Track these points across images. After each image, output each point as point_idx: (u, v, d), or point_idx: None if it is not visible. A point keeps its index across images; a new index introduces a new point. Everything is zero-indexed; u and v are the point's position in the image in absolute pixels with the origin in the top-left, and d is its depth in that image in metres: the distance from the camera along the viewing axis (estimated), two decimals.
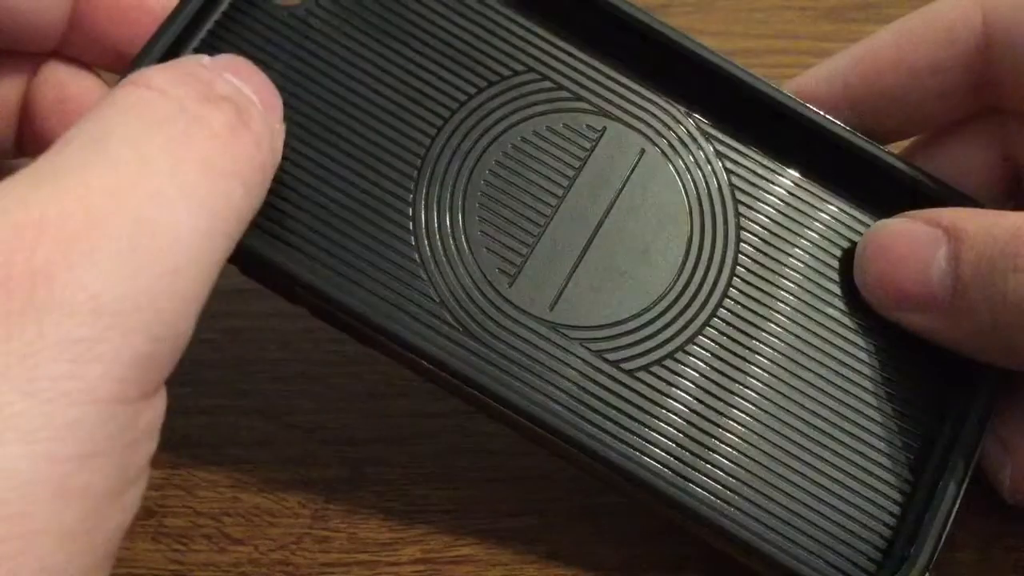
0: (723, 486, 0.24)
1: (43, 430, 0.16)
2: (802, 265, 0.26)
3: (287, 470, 0.27)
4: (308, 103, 0.25)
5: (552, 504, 0.27)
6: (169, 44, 0.23)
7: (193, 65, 0.21)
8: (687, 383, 0.25)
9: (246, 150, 0.20)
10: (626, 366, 0.25)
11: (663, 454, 0.24)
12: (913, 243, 0.25)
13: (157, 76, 0.20)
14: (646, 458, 0.24)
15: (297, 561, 0.26)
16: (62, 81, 0.25)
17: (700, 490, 0.24)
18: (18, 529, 0.15)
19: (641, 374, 0.25)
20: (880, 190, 0.27)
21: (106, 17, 0.25)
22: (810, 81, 0.28)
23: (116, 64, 0.25)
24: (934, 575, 0.24)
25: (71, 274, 0.17)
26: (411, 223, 0.25)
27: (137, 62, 0.23)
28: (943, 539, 0.24)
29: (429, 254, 0.25)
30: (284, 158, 0.23)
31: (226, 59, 0.22)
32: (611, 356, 0.25)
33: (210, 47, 0.24)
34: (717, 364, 0.25)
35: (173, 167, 0.19)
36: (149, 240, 0.18)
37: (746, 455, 0.25)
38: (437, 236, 0.25)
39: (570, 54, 0.26)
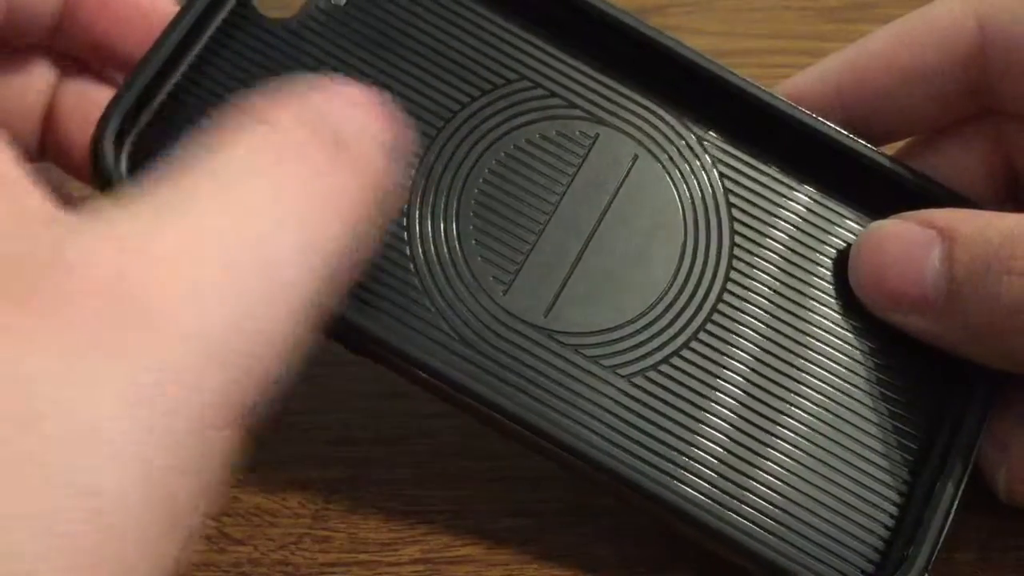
0: (719, 489, 0.24)
1: (141, 446, 0.16)
2: (797, 268, 0.26)
3: (287, 470, 0.27)
4: None
5: (550, 504, 0.27)
6: (163, 61, 0.24)
7: (313, 99, 0.21)
8: (683, 388, 0.25)
9: (358, 190, 0.20)
10: (622, 371, 0.25)
11: (659, 459, 0.24)
12: (907, 244, 0.25)
13: (284, 114, 0.20)
14: (642, 463, 0.24)
15: (297, 561, 0.26)
16: (84, 89, 0.25)
17: (696, 493, 0.24)
18: (107, 535, 0.16)
19: (637, 379, 0.25)
20: (875, 192, 0.27)
21: (96, 10, 0.25)
22: (803, 82, 0.28)
23: (104, 60, 0.25)
24: (933, 575, 0.24)
25: (184, 303, 0.17)
26: (405, 233, 0.25)
27: (133, 80, 0.23)
28: (941, 540, 0.24)
29: (424, 263, 0.25)
30: None
31: (346, 91, 0.21)
32: (607, 362, 0.25)
33: (205, 62, 0.24)
34: (713, 368, 0.25)
35: (286, 211, 0.19)
36: (259, 275, 0.18)
37: (742, 458, 0.25)
38: (432, 245, 0.25)
39: (562, 61, 0.27)
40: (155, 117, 0.24)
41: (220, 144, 0.19)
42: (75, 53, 0.25)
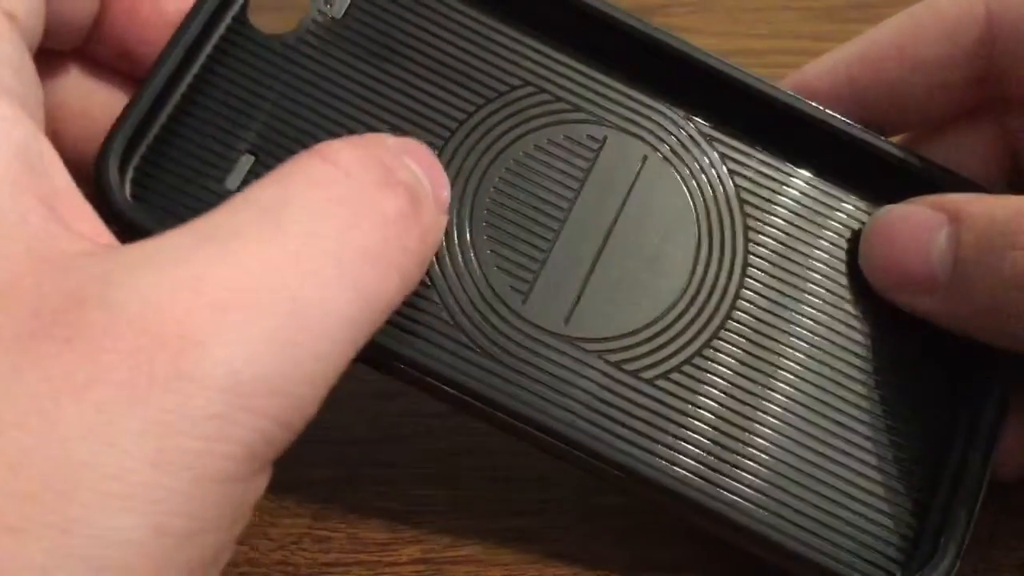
0: (750, 488, 0.24)
1: (162, 503, 0.16)
2: (813, 261, 0.26)
3: (287, 470, 0.27)
4: (306, 131, 0.25)
5: (552, 504, 0.27)
6: (162, 85, 0.23)
7: (378, 146, 0.20)
8: (707, 387, 0.25)
9: (412, 243, 0.20)
10: (645, 375, 0.25)
11: (689, 461, 0.24)
12: (916, 225, 0.25)
13: (345, 154, 0.20)
14: (673, 466, 0.24)
15: (297, 561, 0.26)
16: (116, 97, 0.25)
17: (728, 494, 0.24)
18: None
19: (661, 382, 0.25)
20: (886, 181, 0.27)
21: (125, 16, 0.24)
22: (813, 73, 0.28)
23: (127, 66, 0.25)
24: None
25: (218, 346, 0.16)
26: None
27: (133, 105, 0.23)
28: (970, 530, 0.24)
29: (440, 276, 0.25)
30: None
31: (408, 143, 0.22)
32: (629, 366, 0.25)
33: (204, 82, 0.24)
34: (736, 366, 0.25)
35: (339, 251, 0.18)
36: (300, 321, 0.17)
37: (770, 455, 0.25)
38: (447, 258, 0.25)
39: (565, 64, 0.26)
40: (157, 140, 0.24)
41: (282, 182, 0.19)
42: (104, 60, 0.25)
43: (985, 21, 0.26)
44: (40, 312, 0.16)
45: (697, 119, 0.27)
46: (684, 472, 0.24)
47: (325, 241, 0.18)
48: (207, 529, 0.17)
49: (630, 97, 0.27)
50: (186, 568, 0.16)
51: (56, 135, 0.24)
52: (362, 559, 0.26)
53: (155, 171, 0.24)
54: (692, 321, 0.25)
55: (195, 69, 0.24)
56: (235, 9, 0.25)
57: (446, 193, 0.22)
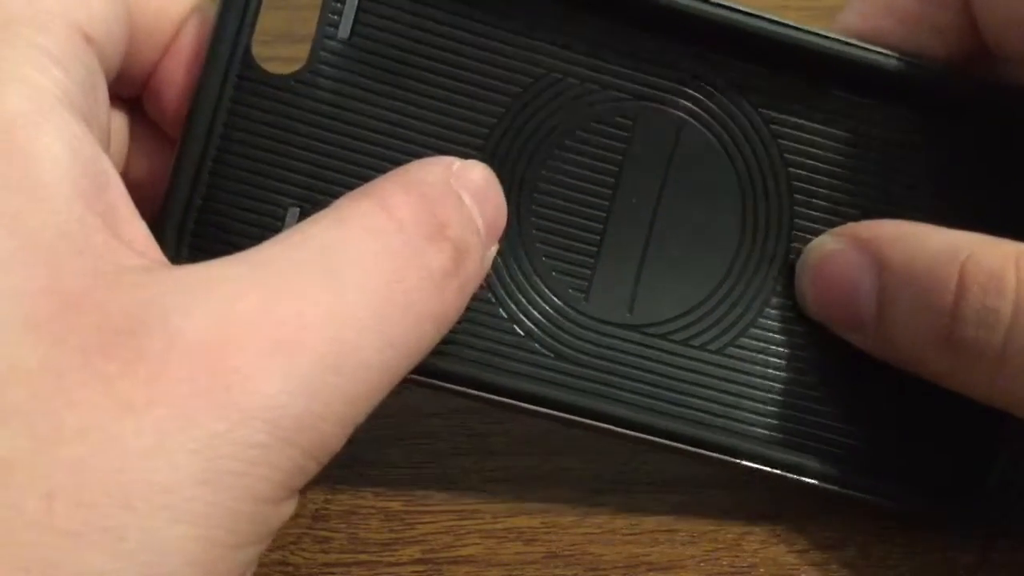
0: (828, 444, 0.25)
1: (209, 517, 0.17)
2: (860, 199, 0.26)
3: None
4: (336, 167, 0.24)
5: (552, 504, 0.27)
6: (200, 150, 0.23)
7: (434, 187, 0.21)
8: (775, 347, 0.26)
9: (450, 297, 0.21)
10: (713, 346, 0.25)
11: (771, 421, 0.25)
12: (843, 267, 0.25)
13: (400, 201, 0.21)
14: (757, 428, 0.25)
15: (297, 561, 0.26)
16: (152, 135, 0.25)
17: (806, 453, 0.25)
18: None
19: (730, 350, 0.25)
20: (928, 105, 0.26)
21: (164, 57, 0.24)
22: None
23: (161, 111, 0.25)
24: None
25: (266, 382, 0.18)
26: None
27: (178, 178, 0.23)
28: None
29: (502, 292, 0.25)
30: None
31: (468, 171, 0.22)
32: (697, 341, 0.25)
33: (230, 140, 0.24)
34: (797, 319, 0.26)
35: (383, 305, 0.19)
36: (338, 367, 0.19)
37: (846, 403, 0.25)
38: (505, 272, 0.25)
39: (581, 49, 0.25)
40: (202, 211, 0.24)
41: (339, 226, 0.20)
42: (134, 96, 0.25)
43: None
44: (103, 329, 0.17)
45: (724, 74, 0.26)
46: (765, 432, 0.25)
47: (372, 294, 0.19)
48: (244, 544, 0.18)
49: (651, 65, 0.25)
50: None
51: None
52: (362, 559, 0.26)
53: (207, 243, 0.23)
54: (749, 283, 0.26)
55: (220, 124, 0.24)
56: (240, 55, 0.24)
57: (502, 220, 0.23)
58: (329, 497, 0.27)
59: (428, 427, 0.28)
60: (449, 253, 0.21)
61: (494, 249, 0.23)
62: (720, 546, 0.27)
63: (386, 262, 0.20)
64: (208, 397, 0.17)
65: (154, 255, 0.20)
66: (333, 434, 0.19)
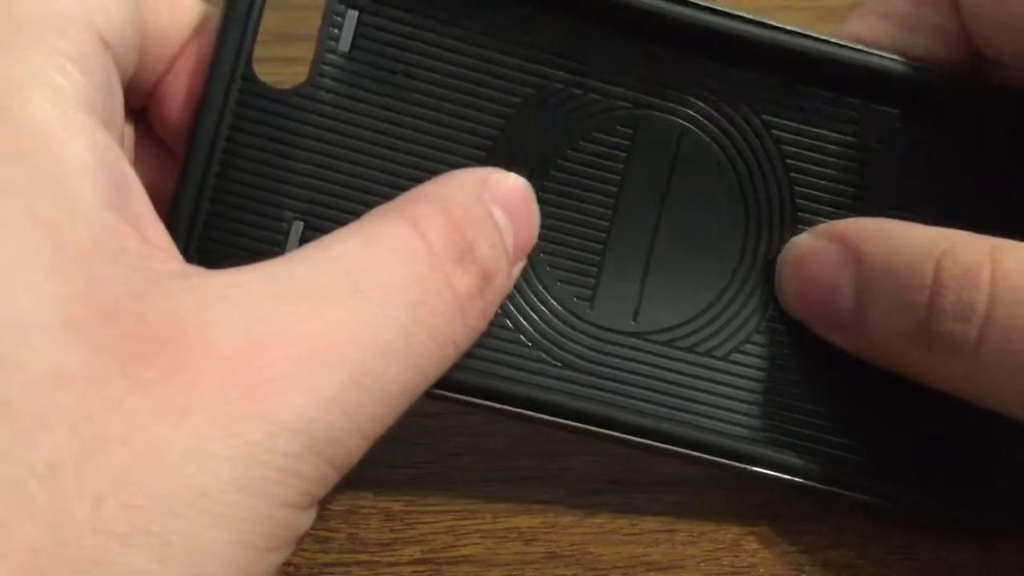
0: (833, 448, 0.25)
1: (245, 522, 0.18)
2: (862, 203, 0.26)
3: None
4: (339, 180, 0.24)
5: (552, 504, 0.27)
6: (204, 163, 0.23)
7: (468, 205, 0.22)
8: (780, 352, 0.26)
9: (472, 319, 0.22)
10: (718, 353, 0.25)
11: (777, 425, 0.25)
12: (822, 264, 0.25)
13: (431, 223, 0.21)
14: (763, 433, 0.25)
15: (297, 561, 0.26)
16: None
17: (813, 457, 0.25)
18: None
19: (735, 356, 0.25)
20: (928, 106, 0.26)
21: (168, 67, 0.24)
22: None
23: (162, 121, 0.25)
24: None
25: (298, 395, 0.18)
26: None
27: (184, 192, 0.23)
28: None
29: (508, 302, 0.25)
30: None
31: (504, 184, 0.23)
32: (702, 347, 0.25)
33: (233, 155, 0.24)
34: (803, 324, 0.26)
35: (409, 326, 0.20)
36: (364, 384, 0.19)
37: (851, 406, 0.25)
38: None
39: (582, 59, 0.25)
40: (207, 226, 0.24)
41: (368, 245, 0.21)
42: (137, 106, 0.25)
43: None
44: (142, 337, 0.18)
45: (724, 80, 0.26)
46: (775, 435, 0.25)
47: (399, 315, 0.20)
48: (275, 548, 0.19)
49: (651, 73, 0.25)
50: None
51: None
52: (362, 559, 0.26)
53: (212, 258, 0.23)
54: (754, 288, 0.26)
55: (223, 136, 0.24)
56: (241, 70, 0.24)
57: (534, 235, 0.24)
58: (329, 497, 0.27)
59: (428, 427, 0.28)
60: (475, 276, 0.21)
61: (521, 265, 0.23)
62: (720, 546, 0.27)
63: (414, 286, 0.20)
64: (243, 406, 0.18)
65: (178, 258, 0.21)
66: (355, 447, 0.20)
